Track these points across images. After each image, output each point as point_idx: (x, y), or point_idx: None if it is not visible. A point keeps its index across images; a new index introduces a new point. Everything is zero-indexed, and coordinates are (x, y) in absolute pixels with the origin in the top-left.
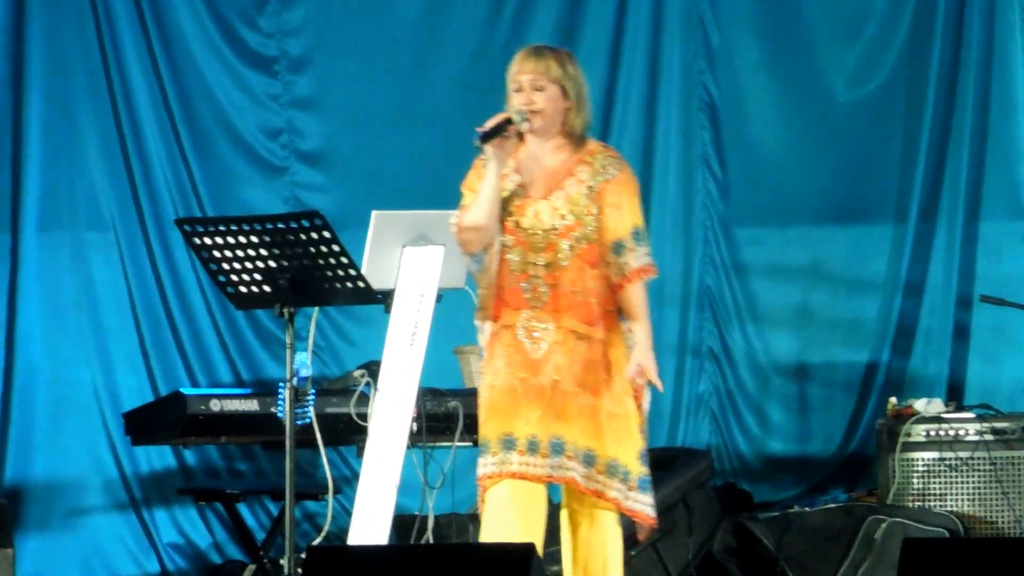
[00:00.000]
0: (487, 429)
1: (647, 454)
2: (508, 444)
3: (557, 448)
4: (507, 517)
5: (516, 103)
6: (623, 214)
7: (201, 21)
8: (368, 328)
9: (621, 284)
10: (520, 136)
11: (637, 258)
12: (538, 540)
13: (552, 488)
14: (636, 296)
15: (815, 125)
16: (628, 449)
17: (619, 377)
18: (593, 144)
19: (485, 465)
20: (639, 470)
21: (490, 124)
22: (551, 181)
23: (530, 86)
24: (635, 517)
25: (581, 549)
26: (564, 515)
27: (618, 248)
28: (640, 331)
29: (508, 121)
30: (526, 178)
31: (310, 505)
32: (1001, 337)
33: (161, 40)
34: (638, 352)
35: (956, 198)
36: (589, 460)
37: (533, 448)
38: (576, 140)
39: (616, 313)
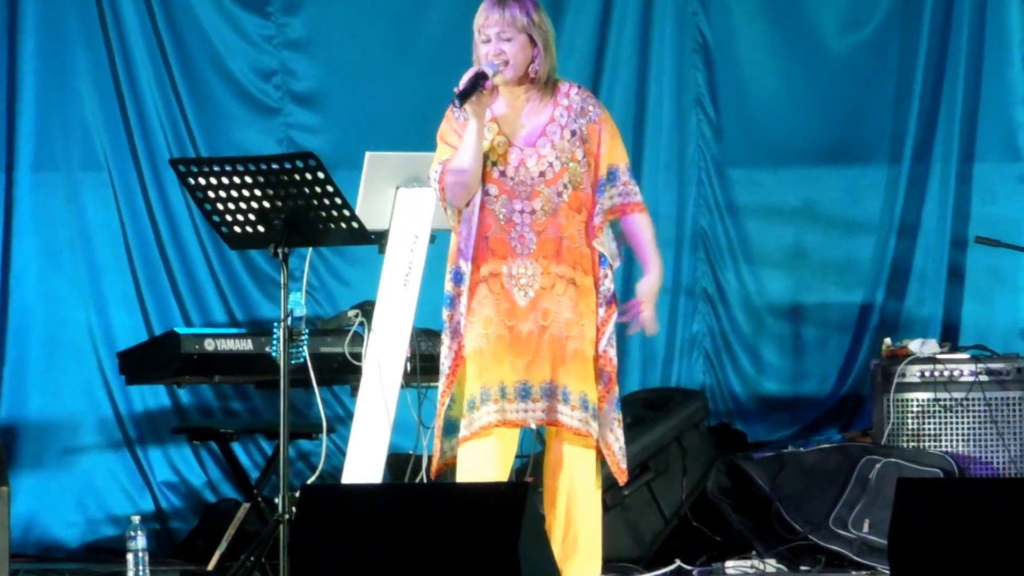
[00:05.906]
0: (485, 378)
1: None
2: (502, 392)
3: (548, 392)
4: (485, 469)
5: (484, 54)
6: (617, 145)
7: None
8: (362, 268)
9: (628, 210)
10: (495, 88)
11: (636, 192)
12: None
13: (525, 437)
14: (650, 225)
15: (809, 66)
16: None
17: (589, 322)
18: (564, 85)
19: (489, 413)
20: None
21: (464, 81)
22: (532, 128)
23: (497, 37)
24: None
25: (564, 482)
26: (547, 457)
27: (612, 175)
28: (656, 266)
29: (482, 76)
30: (506, 128)
31: (304, 444)
32: (995, 278)
33: None
34: (648, 288)
35: (950, 139)
36: (584, 404)
37: (524, 394)
38: (546, 85)
39: (595, 260)
